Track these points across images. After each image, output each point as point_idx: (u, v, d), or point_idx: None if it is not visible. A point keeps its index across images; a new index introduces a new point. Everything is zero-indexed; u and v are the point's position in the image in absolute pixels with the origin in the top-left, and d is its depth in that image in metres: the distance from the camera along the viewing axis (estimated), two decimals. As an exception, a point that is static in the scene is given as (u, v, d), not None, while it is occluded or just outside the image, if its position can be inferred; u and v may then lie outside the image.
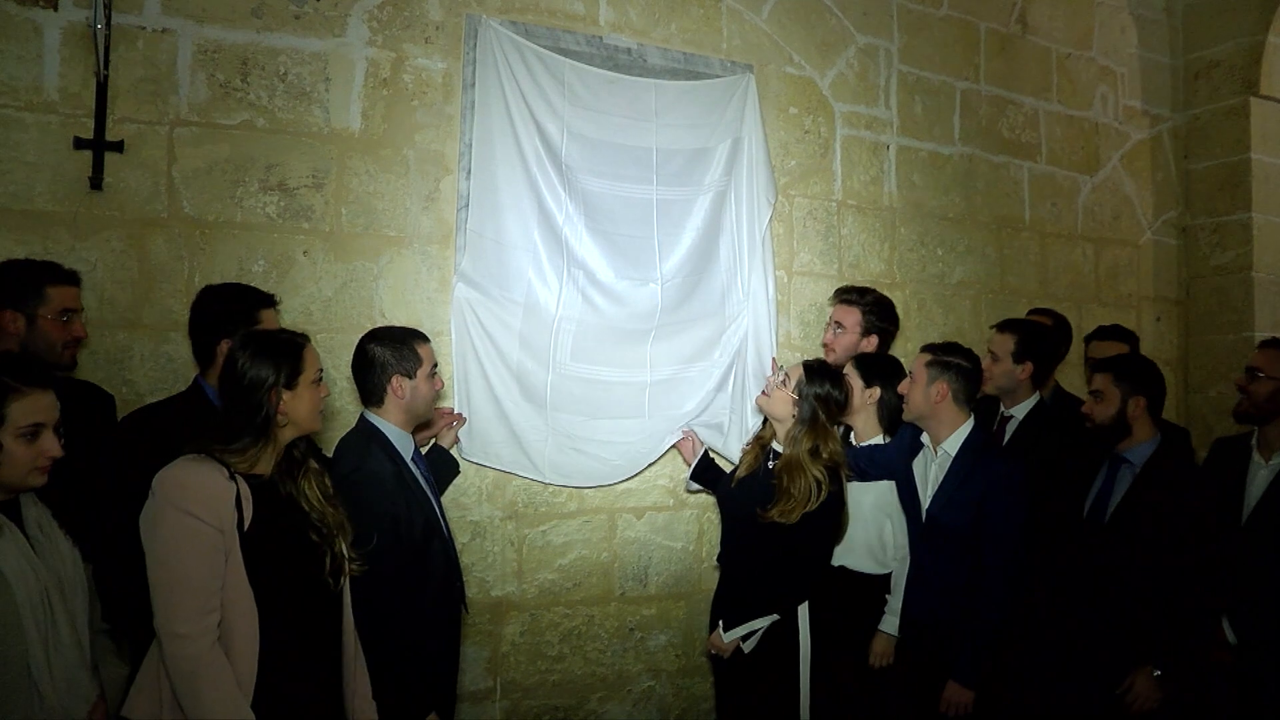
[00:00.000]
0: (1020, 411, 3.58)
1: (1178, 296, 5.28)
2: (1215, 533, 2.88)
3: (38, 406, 2.04)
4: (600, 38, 3.69)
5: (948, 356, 3.16)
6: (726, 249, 3.83)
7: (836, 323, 3.68)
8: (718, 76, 3.88)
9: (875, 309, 3.65)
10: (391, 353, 2.69)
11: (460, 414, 3.31)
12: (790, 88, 4.10)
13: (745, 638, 3.02)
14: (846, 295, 3.72)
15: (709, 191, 3.78)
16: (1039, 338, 3.64)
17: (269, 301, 2.83)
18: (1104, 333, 4.13)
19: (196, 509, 2.02)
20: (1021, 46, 4.80)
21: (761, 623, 3.01)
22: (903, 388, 3.21)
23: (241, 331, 2.33)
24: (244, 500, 2.10)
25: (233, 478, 2.10)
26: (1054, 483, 3.24)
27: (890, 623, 3.20)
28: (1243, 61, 5.05)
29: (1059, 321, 4.12)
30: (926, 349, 3.25)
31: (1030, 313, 4.24)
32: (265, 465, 2.19)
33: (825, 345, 3.72)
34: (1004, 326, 3.66)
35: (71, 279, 2.66)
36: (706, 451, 3.62)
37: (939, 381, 3.12)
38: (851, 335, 3.62)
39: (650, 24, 3.80)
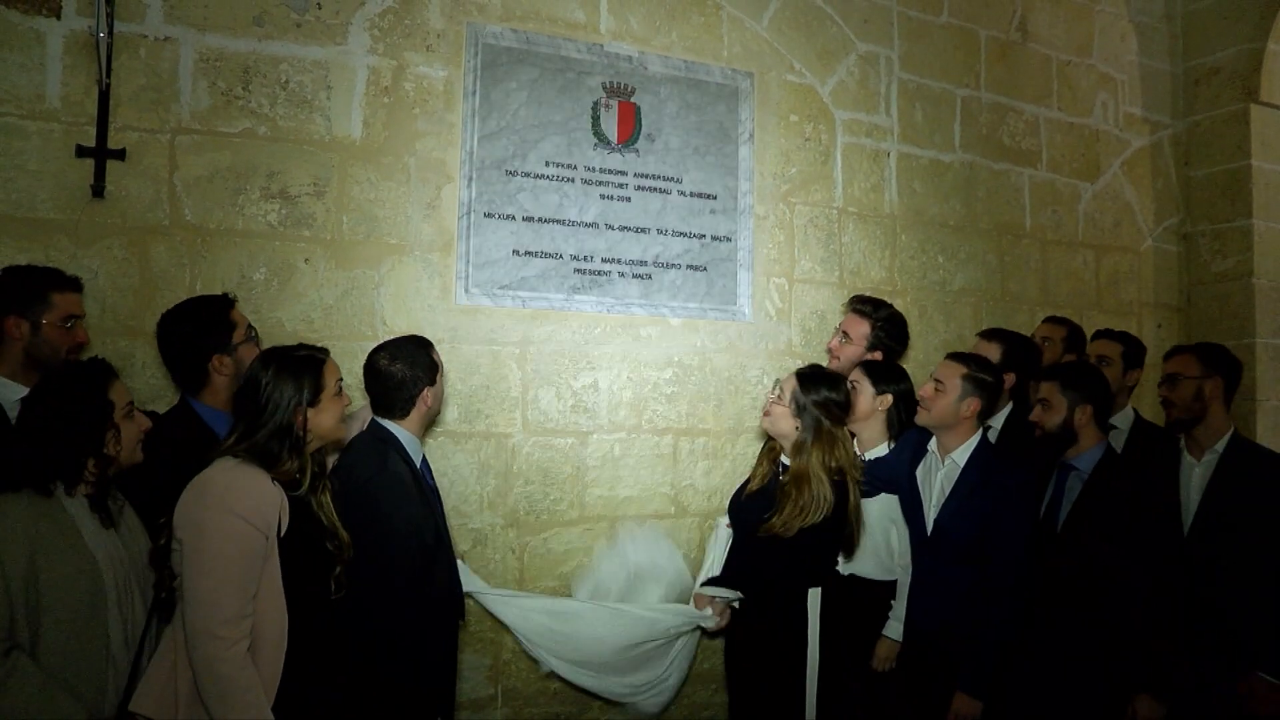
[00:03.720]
0: (997, 421, 3.59)
1: (1179, 303, 5.28)
2: (1165, 537, 2.89)
3: (124, 390, 2.28)
4: (601, 45, 3.71)
5: (983, 375, 3.13)
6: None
7: (844, 331, 3.61)
8: (718, 83, 3.89)
9: (886, 326, 3.58)
10: (418, 368, 2.72)
11: None
12: (791, 95, 4.11)
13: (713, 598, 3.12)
14: (860, 306, 3.64)
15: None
16: (1024, 349, 3.66)
17: (231, 302, 2.79)
18: (1102, 334, 4.12)
19: (248, 513, 2.07)
20: (1022, 54, 4.81)
21: (728, 594, 3.08)
22: (925, 392, 3.16)
23: (263, 350, 2.36)
24: (283, 507, 2.16)
25: (274, 483, 2.16)
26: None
27: (894, 628, 3.19)
28: (1243, 68, 5.06)
29: (1073, 331, 4.11)
30: (959, 360, 3.19)
31: (1044, 321, 4.23)
32: (297, 478, 2.24)
33: (829, 350, 3.68)
34: (990, 335, 3.69)
35: (75, 285, 2.65)
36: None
37: (973, 398, 3.09)
38: (857, 347, 3.56)
39: (651, 32, 3.81)
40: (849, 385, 3.29)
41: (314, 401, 2.26)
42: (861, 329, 3.57)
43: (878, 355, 3.56)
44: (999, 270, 4.67)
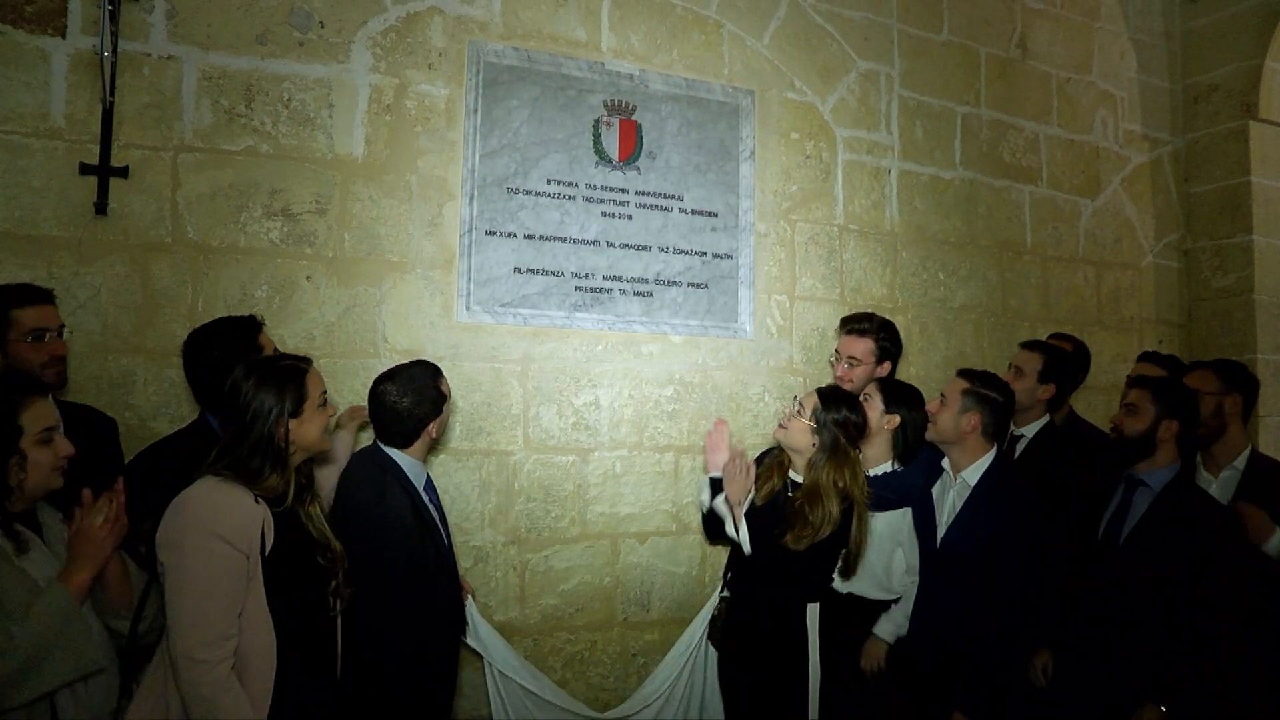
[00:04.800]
0: (1030, 430, 3.63)
1: (1180, 319, 5.28)
2: (1230, 564, 2.85)
3: (45, 413, 2.17)
4: (603, 64, 3.72)
5: (986, 390, 3.10)
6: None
7: (850, 357, 3.59)
8: (719, 101, 3.91)
9: (885, 336, 3.60)
10: (423, 403, 2.72)
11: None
12: (792, 113, 4.13)
13: None
14: (856, 325, 3.63)
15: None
16: (1065, 362, 3.68)
17: (259, 326, 2.80)
18: (1147, 356, 4.11)
19: (227, 534, 2.03)
20: (1022, 71, 4.83)
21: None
22: (931, 407, 3.17)
23: (245, 361, 2.31)
24: (266, 525, 2.11)
25: (257, 501, 2.12)
26: (1065, 503, 3.22)
27: (885, 628, 3.14)
28: (1241, 85, 5.08)
29: (1079, 348, 4.13)
30: (965, 375, 3.18)
31: (1050, 337, 4.23)
32: (281, 492, 2.20)
33: (839, 379, 3.62)
34: (1033, 345, 3.72)
35: (40, 298, 2.60)
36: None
37: (972, 413, 3.08)
38: (867, 366, 3.56)
39: (652, 50, 3.83)
40: (861, 397, 3.30)
41: (296, 412, 2.20)
42: (865, 346, 3.57)
43: (886, 365, 3.57)
44: (1000, 287, 4.67)
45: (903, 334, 3.82)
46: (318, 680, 2.24)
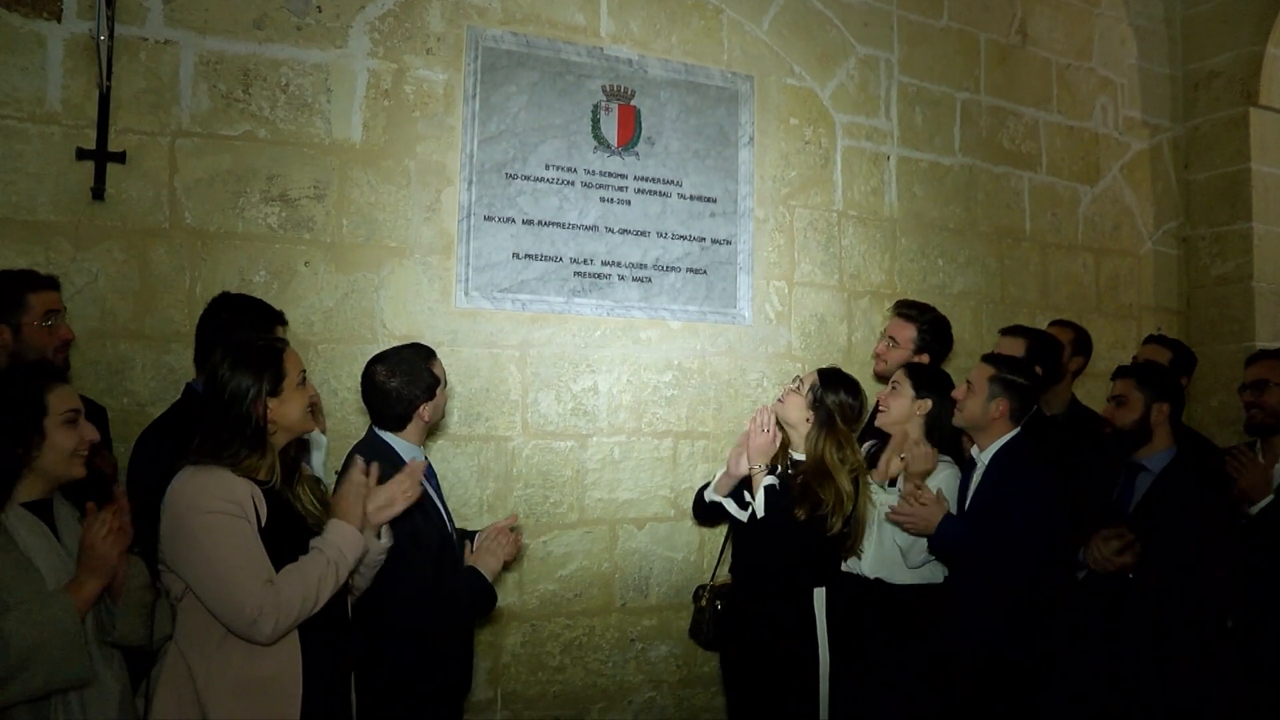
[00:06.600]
0: None
1: (1178, 307, 5.27)
2: (1222, 539, 2.87)
3: (70, 396, 2.14)
4: (601, 49, 3.71)
5: (1013, 375, 3.08)
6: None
7: (890, 337, 3.62)
8: (718, 87, 3.90)
9: (932, 329, 3.60)
10: (414, 384, 2.67)
11: None
12: (791, 99, 4.12)
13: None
14: (905, 310, 3.66)
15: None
16: (1047, 347, 3.64)
17: (281, 319, 2.80)
18: (1152, 340, 4.12)
19: (220, 506, 2.02)
20: (1021, 57, 4.81)
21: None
22: (958, 394, 3.13)
23: (222, 344, 2.29)
24: (256, 498, 2.10)
25: (242, 478, 2.10)
26: (1071, 490, 3.20)
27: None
28: (1242, 72, 5.06)
29: (1080, 334, 4.09)
30: (991, 361, 3.16)
31: (1051, 324, 4.19)
32: (265, 474, 2.17)
33: (877, 355, 3.70)
34: (1015, 331, 3.69)
35: (50, 283, 2.61)
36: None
37: (1000, 399, 3.04)
38: (904, 351, 3.56)
39: (651, 35, 3.82)
40: (890, 386, 3.29)
41: (275, 391, 2.16)
42: (908, 333, 3.58)
43: (924, 358, 3.56)
44: (999, 274, 4.67)
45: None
46: (321, 660, 2.22)
